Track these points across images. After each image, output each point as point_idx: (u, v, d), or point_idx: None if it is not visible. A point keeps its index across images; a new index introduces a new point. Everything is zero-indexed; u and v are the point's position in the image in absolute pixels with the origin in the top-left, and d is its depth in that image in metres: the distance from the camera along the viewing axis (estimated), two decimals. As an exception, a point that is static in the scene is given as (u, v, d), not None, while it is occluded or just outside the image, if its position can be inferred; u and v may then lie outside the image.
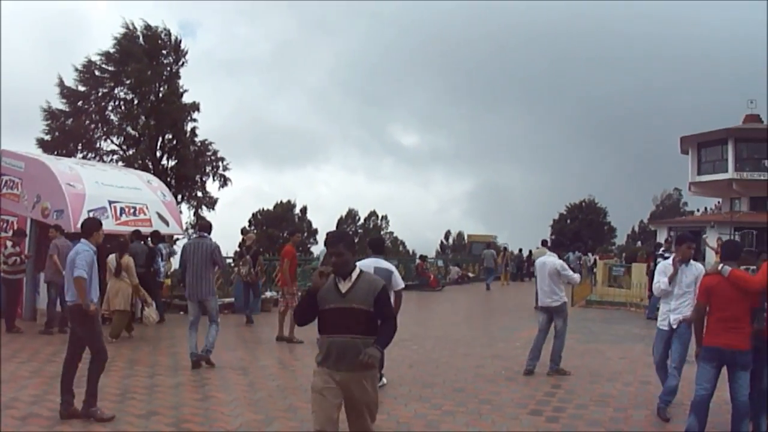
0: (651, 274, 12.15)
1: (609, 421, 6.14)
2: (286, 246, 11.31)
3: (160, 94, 26.36)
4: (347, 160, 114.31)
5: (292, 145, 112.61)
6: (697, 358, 5.32)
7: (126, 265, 10.28)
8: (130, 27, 26.37)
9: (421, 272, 24.96)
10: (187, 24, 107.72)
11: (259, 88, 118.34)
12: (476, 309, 18.24)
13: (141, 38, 26.49)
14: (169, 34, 27.06)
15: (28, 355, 8.69)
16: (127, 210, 12.57)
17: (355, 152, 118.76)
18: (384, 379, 7.25)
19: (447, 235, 69.11)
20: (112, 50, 25.93)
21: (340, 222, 60.24)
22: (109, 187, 12.74)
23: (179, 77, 27.17)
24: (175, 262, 13.24)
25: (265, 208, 57.10)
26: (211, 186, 28.34)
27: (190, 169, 26.69)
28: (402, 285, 7.15)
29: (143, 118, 26.02)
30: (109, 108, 26.48)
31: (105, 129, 26.39)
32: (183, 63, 27.44)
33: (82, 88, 25.84)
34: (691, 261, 6.33)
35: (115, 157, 26.08)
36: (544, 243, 21.27)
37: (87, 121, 25.85)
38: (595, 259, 26.75)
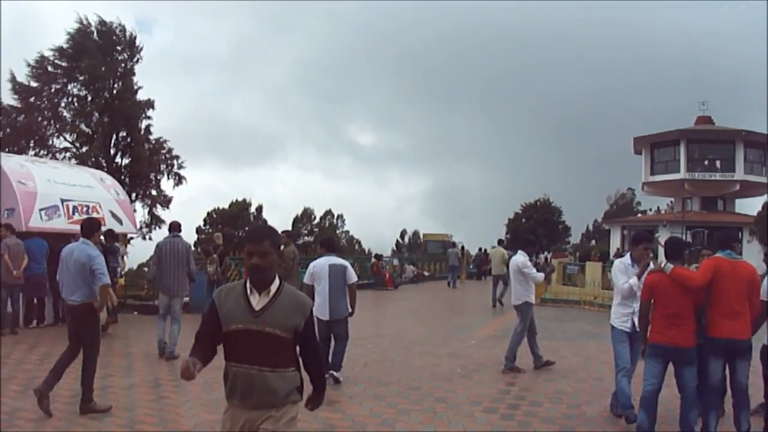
0: None
1: (562, 417, 6.26)
2: None
3: (114, 91, 25.76)
4: (304, 158, 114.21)
5: (249, 144, 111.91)
6: (642, 355, 5.46)
7: None
8: (84, 22, 25.68)
9: (376, 271, 25.03)
10: (143, 21, 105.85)
11: (217, 85, 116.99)
12: (432, 308, 18.33)
13: (95, 33, 25.79)
14: (124, 30, 26.42)
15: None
16: (79, 208, 12.30)
17: (312, 151, 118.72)
18: (340, 376, 7.44)
19: (403, 234, 69.11)
20: (65, 45, 25.26)
21: (296, 221, 59.66)
22: (62, 185, 12.50)
23: (134, 74, 26.55)
24: (128, 262, 13.08)
25: (221, 207, 56.31)
26: (166, 184, 27.75)
27: (144, 167, 26.11)
28: (356, 278, 7.64)
29: (97, 115, 25.42)
30: (62, 104, 25.73)
31: (58, 126, 25.66)
32: (138, 59, 26.81)
33: (34, 84, 25.08)
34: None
35: (67, 154, 25.36)
36: (500, 242, 21.61)
37: (39, 118, 25.12)
38: (545, 258, 27.23)
